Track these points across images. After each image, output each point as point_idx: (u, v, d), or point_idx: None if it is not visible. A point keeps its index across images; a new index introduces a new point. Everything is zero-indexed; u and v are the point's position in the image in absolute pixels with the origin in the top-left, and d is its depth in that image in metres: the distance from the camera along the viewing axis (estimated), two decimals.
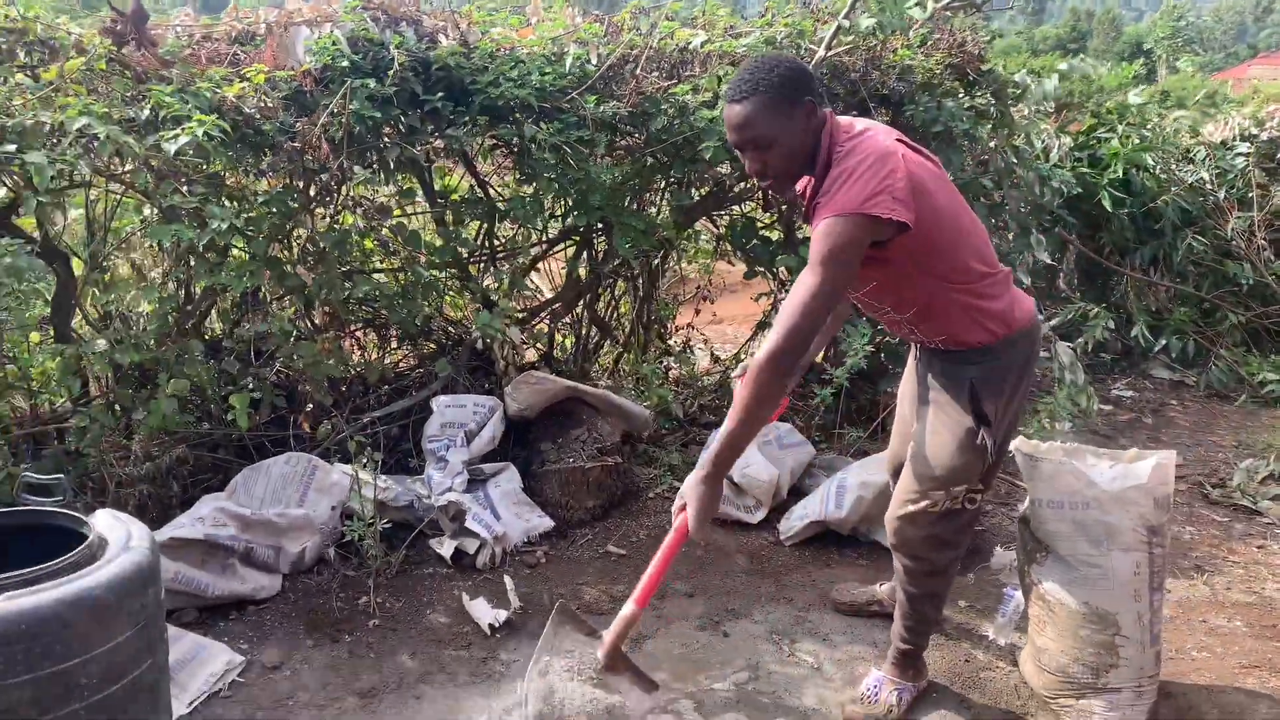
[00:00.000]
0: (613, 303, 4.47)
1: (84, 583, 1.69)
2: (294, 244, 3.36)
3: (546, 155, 3.38)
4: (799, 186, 2.29)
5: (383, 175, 3.37)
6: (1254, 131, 6.60)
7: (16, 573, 1.65)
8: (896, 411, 2.74)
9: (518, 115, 3.44)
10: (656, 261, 4.41)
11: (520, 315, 3.85)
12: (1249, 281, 5.91)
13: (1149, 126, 6.17)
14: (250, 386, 3.19)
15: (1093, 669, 2.49)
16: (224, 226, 2.65)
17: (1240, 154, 6.43)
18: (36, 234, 3.09)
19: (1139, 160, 5.86)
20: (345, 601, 2.98)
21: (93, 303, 3.30)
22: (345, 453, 3.34)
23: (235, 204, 2.94)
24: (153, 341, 2.98)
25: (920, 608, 2.54)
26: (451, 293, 3.88)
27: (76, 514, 1.92)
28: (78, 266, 3.23)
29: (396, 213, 3.58)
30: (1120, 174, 5.75)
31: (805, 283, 2.04)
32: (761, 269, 4.36)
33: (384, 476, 3.40)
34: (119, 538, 1.86)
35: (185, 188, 2.85)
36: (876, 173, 2.06)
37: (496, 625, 2.81)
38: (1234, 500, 4.05)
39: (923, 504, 2.41)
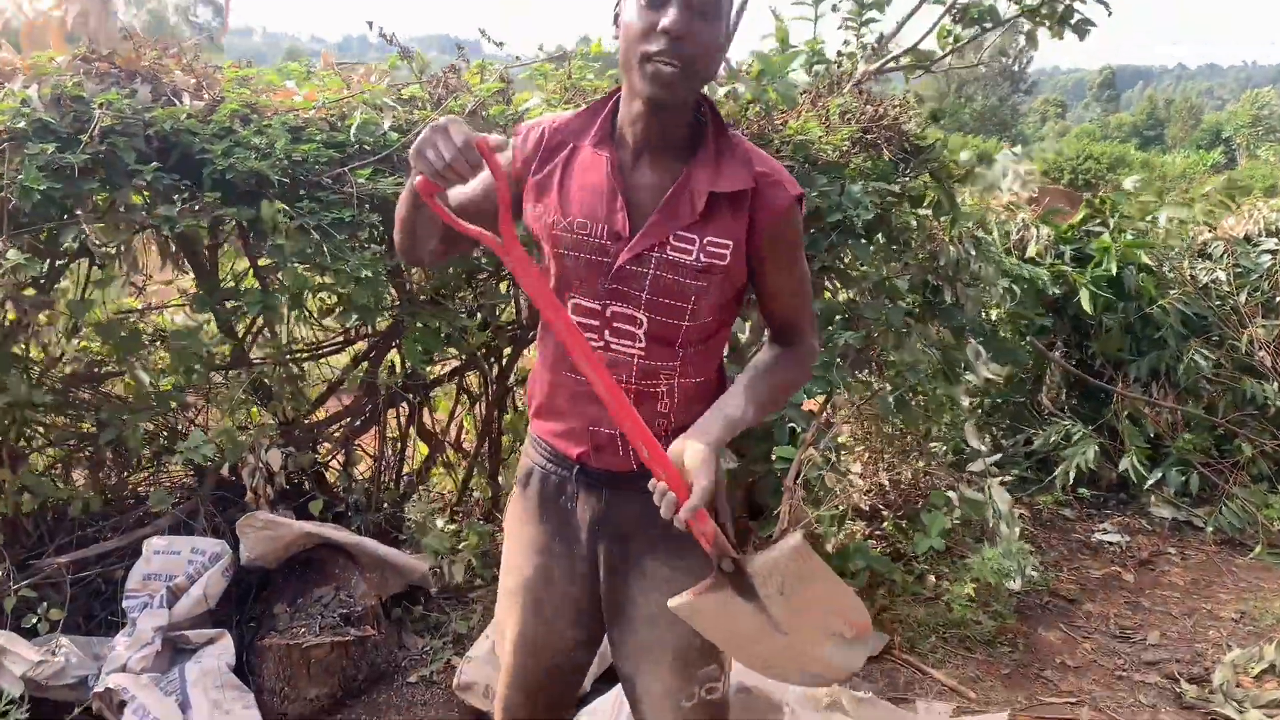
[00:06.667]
0: (453, 412, 3.71)
1: None
2: None
3: (282, 241, 2.69)
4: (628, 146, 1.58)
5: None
6: None
7: None
8: (526, 615, 1.72)
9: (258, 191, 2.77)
10: (509, 355, 3.64)
11: (277, 430, 3.09)
12: (1275, 404, 4.91)
13: (1150, 218, 5.28)
14: None
15: None
16: None
17: (1267, 250, 5.48)
18: None
19: (1133, 257, 4.96)
20: None
21: None
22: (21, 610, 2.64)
23: None
24: None
25: None
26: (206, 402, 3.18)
27: None
28: None
29: (131, 302, 2.95)
30: (1113, 271, 4.86)
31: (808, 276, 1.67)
32: None
33: (65, 640, 2.67)
34: None
35: None
36: None
37: None
38: (1212, 707, 3.07)
39: (714, 694, 1.67)
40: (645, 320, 1.55)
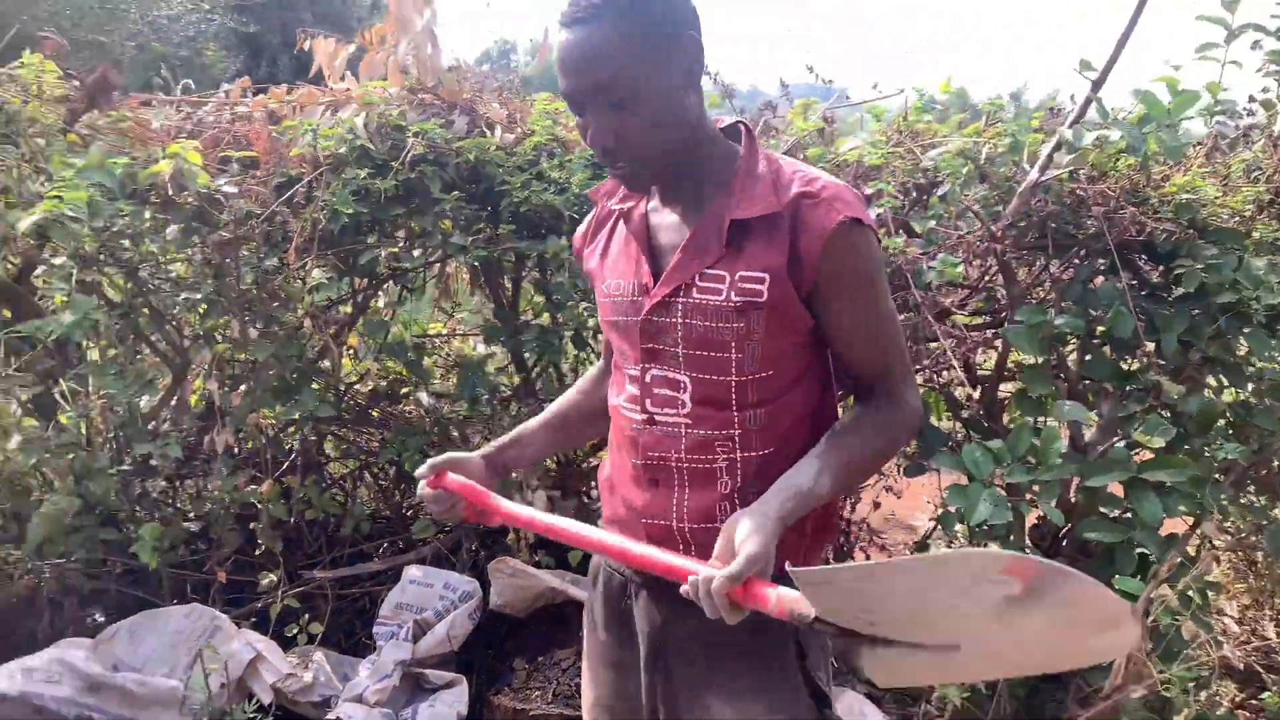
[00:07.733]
0: None
1: None
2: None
3: (563, 279, 2.57)
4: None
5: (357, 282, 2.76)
6: None
7: None
8: None
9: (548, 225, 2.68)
10: None
11: (555, 470, 2.96)
12: None
13: None
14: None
15: None
16: (68, 321, 2.16)
17: None
18: None
19: None
20: None
21: None
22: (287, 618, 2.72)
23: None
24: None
25: None
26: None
27: None
28: None
29: (414, 326, 2.97)
30: None
31: (893, 316, 1.35)
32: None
33: (320, 655, 2.70)
34: None
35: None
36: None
37: None
38: None
39: None
40: (688, 382, 1.31)
